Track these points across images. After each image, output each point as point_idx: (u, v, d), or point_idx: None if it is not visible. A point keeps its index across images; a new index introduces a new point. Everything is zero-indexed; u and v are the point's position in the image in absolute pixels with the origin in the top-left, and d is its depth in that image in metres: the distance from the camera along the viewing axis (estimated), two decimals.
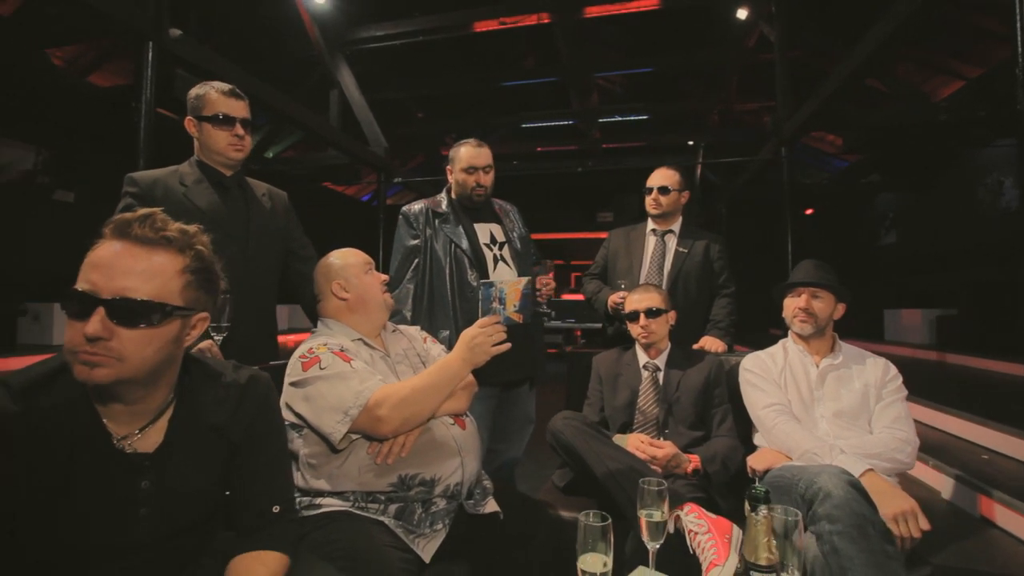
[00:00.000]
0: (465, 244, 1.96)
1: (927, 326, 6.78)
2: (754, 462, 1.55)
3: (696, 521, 1.21)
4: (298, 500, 1.26)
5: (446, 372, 1.28)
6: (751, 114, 9.23)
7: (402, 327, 1.64)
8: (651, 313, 1.82)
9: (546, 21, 6.81)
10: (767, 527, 0.72)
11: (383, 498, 1.23)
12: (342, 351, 1.31)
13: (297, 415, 1.25)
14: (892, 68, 6.41)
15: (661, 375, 1.82)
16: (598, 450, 1.45)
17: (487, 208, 2.11)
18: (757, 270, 5.79)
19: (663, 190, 2.25)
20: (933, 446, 3.19)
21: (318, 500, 1.24)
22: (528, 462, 2.41)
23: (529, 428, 2.15)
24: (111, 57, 6.36)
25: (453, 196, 2.06)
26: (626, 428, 1.77)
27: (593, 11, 6.60)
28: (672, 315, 1.89)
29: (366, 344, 1.43)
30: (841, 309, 1.71)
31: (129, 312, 0.75)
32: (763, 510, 0.72)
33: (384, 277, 1.54)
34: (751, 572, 0.70)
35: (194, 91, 1.60)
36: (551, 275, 2.08)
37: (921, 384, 4.61)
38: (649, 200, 2.28)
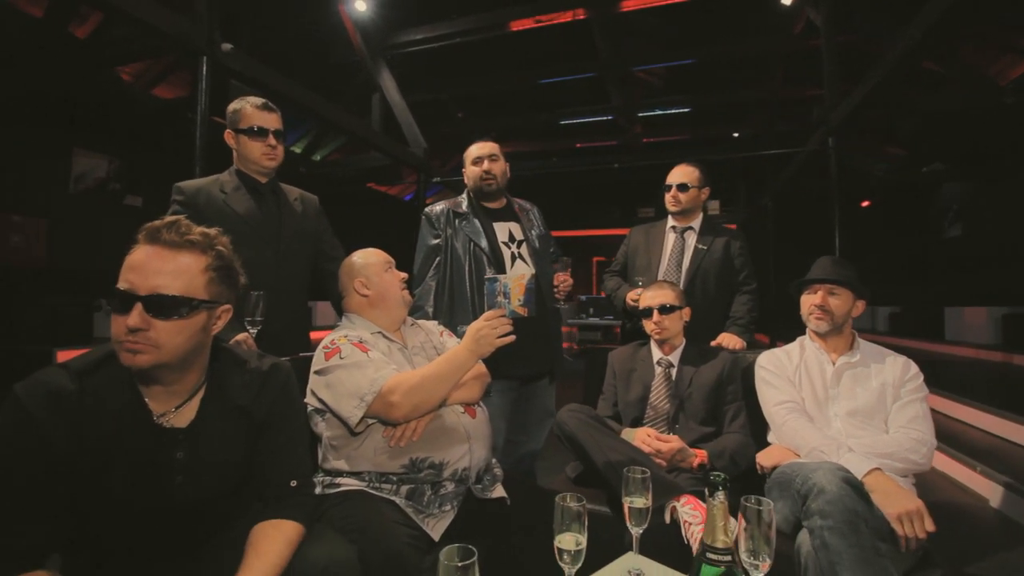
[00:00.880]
0: (484, 242, 2.04)
1: (992, 325, 6.32)
2: (762, 459, 1.55)
3: (691, 512, 1.24)
4: (320, 479, 1.38)
5: (454, 362, 1.37)
6: (798, 103, 8.83)
7: (420, 321, 1.74)
8: (664, 310, 1.84)
9: (581, 17, 6.79)
10: (723, 511, 0.76)
11: (395, 479, 1.33)
12: (361, 343, 1.42)
13: (320, 400, 1.38)
14: (952, 49, 5.99)
15: (674, 371, 1.84)
16: (600, 441, 1.50)
17: (507, 207, 2.18)
18: (805, 267, 5.56)
19: (682, 187, 2.25)
20: (983, 451, 3.02)
21: (338, 480, 1.36)
22: (555, 455, 2.46)
23: (548, 421, 2.21)
24: (174, 71, 6.84)
25: (471, 194, 2.15)
26: (638, 423, 1.80)
27: (630, 4, 6.53)
28: (687, 312, 1.90)
29: (385, 337, 1.54)
30: (861, 306, 1.67)
31: (162, 306, 0.88)
32: (720, 495, 0.76)
33: (403, 275, 1.65)
34: (707, 554, 0.74)
35: (232, 106, 1.76)
36: (568, 272, 2.14)
37: (982, 386, 4.34)
38: (668, 197, 2.28)
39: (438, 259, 2.08)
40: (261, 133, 1.74)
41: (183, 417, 0.98)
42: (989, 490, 2.71)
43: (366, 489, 1.32)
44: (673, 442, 1.59)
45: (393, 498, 1.31)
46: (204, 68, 3.77)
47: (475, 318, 2.06)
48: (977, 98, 5.57)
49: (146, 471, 0.92)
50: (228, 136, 1.77)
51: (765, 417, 1.68)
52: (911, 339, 7.47)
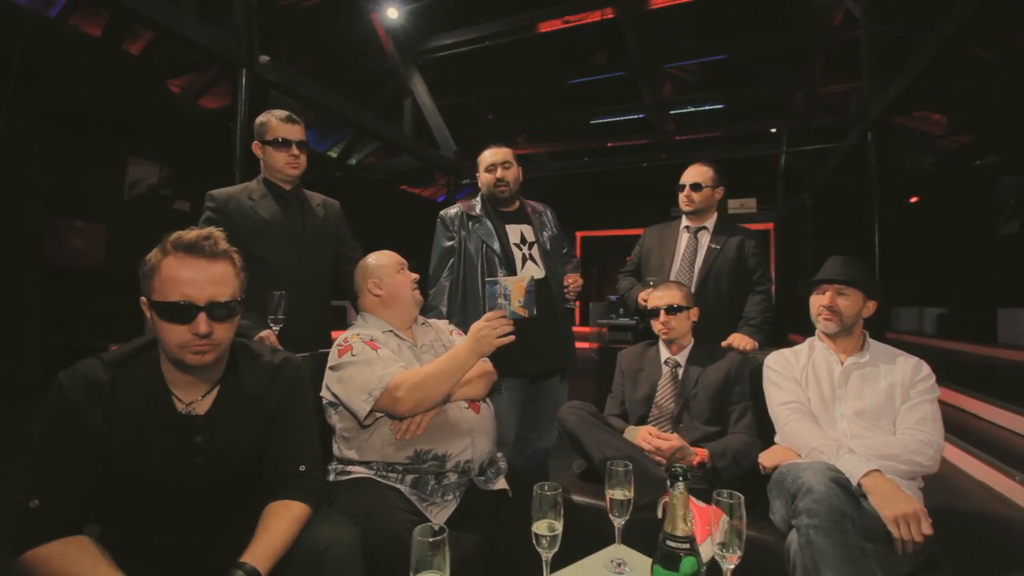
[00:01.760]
0: (496, 244, 2.11)
1: None
2: (764, 459, 1.56)
3: None
4: (333, 467, 1.48)
5: (455, 360, 1.45)
6: (838, 96, 8.50)
7: (432, 320, 1.82)
8: (671, 310, 1.86)
9: (610, 16, 6.77)
10: (683, 501, 0.80)
11: (401, 468, 1.42)
12: (371, 340, 1.51)
13: (333, 394, 1.47)
14: (1001, 34, 5.65)
15: (681, 371, 1.86)
16: (597, 437, 1.54)
17: (519, 210, 2.24)
18: None
19: (695, 187, 2.25)
20: None
21: (349, 468, 1.45)
22: (567, 453, 2.50)
23: None
24: (218, 82, 7.22)
25: (484, 199, 2.21)
26: (643, 421, 1.83)
27: (659, 1, 6.46)
28: (695, 312, 1.91)
29: (396, 335, 1.63)
30: (872, 307, 1.65)
31: (220, 311, 1.02)
32: (680, 486, 0.80)
33: (415, 276, 1.73)
34: (667, 541, 0.78)
35: (258, 119, 1.88)
36: (579, 273, 2.18)
37: None
38: (682, 197, 2.29)
39: (452, 260, 2.16)
40: (285, 144, 1.86)
41: (203, 405, 1.08)
42: None
43: (374, 477, 1.41)
44: (673, 440, 1.61)
45: (398, 486, 1.39)
46: (243, 79, 3.99)
47: None
48: None
49: (169, 453, 1.03)
50: (256, 147, 1.90)
51: (771, 417, 1.68)
52: (961, 341, 7.09)
